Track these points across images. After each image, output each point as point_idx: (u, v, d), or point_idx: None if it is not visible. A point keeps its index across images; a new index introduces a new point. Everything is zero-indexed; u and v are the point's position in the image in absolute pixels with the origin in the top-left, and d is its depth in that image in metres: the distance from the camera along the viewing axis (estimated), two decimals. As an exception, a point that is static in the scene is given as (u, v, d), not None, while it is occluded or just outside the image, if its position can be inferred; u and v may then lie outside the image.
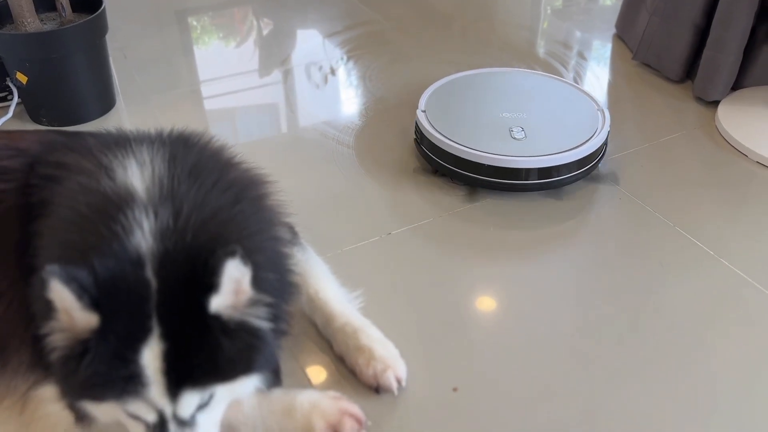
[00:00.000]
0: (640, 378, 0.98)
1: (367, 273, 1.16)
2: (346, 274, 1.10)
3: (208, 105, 1.72)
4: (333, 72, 1.85)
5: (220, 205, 0.75)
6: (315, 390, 0.90)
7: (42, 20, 1.53)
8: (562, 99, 1.49)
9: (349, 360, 0.97)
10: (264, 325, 0.70)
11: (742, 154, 1.47)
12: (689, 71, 1.72)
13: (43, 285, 0.63)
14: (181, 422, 0.70)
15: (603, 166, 1.42)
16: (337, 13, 2.20)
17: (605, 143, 1.39)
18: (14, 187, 0.82)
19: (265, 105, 1.74)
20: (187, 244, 0.69)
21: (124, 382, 0.66)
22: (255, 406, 0.86)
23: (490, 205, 1.32)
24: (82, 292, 0.63)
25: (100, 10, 1.51)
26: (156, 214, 0.71)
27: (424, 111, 1.42)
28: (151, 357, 0.66)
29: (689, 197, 1.35)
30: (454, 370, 0.99)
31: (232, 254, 0.65)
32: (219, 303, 0.67)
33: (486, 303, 1.12)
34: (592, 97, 1.48)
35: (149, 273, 0.67)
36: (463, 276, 1.17)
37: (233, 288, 0.67)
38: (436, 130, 1.36)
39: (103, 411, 0.71)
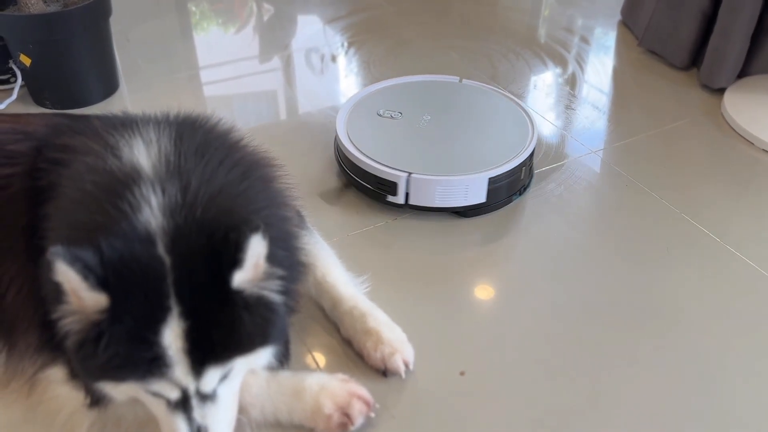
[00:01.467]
0: (645, 361, 0.98)
1: (374, 257, 1.16)
2: (352, 259, 1.10)
3: (210, 90, 1.71)
4: (334, 59, 1.84)
5: (227, 181, 0.75)
6: (323, 373, 0.90)
7: (46, 2, 1.51)
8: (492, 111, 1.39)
9: (356, 343, 0.97)
10: (277, 298, 0.71)
11: (748, 141, 1.46)
12: (695, 58, 1.71)
13: (50, 267, 0.63)
14: (203, 396, 0.70)
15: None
16: (340, -2, 2.18)
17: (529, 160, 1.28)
18: (22, 171, 0.82)
19: (266, 91, 1.73)
20: (197, 218, 0.69)
21: (147, 363, 0.66)
22: (264, 387, 0.87)
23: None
24: (87, 272, 0.62)
25: (103, -8, 1.50)
26: (164, 190, 0.71)
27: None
28: (173, 337, 0.65)
29: (695, 184, 1.35)
30: (461, 353, 0.99)
31: (256, 229, 0.65)
32: (241, 278, 0.67)
33: (492, 287, 1.12)
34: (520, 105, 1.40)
35: (161, 250, 0.67)
36: (470, 259, 1.17)
37: (254, 263, 0.67)
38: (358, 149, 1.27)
39: (122, 390, 0.71)
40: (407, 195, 1.22)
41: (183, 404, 0.70)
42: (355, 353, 0.97)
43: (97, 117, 0.89)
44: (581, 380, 0.96)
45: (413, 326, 0.99)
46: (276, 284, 0.71)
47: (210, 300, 0.66)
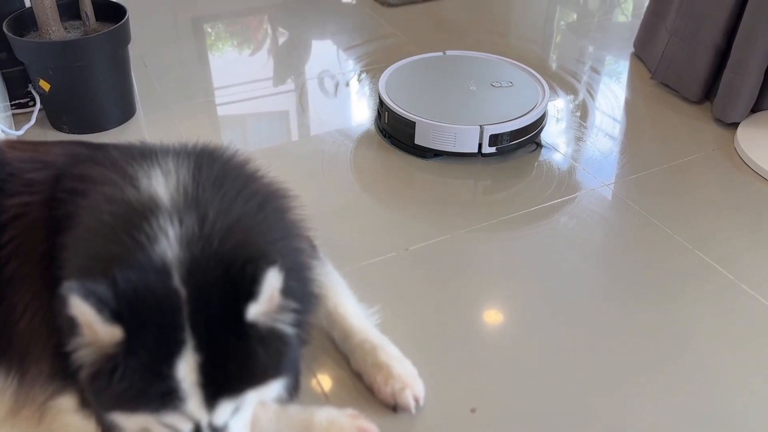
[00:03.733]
0: (658, 399, 0.97)
1: (385, 289, 1.16)
2: (363, 289, 1.10)
3: (226, 113, 1.73)
4: (348, 84, 1.86)
5: (244, 212, 0.76)
6: (332, 407, 0.90)
7: (66, 28, 1.54)
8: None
9: (366, 377, 0.96)
10: (290, 330, 0.71)
11: (761, 177, 1.46)
12: (708, 92, 1.71)
13: (64, 301, 0.63)
14: (215, 429, 0.70)
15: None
16: (355, 26, 2.21)
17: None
18: (40, 200, 0.83)
19: (279, 113, 1.75)
20: (214, 250, 0.69)
21: (161, 396, 0.66)
22: (273, 421, 0.86)
23: (506, 222, 1.32)
24: (101, 306, 0.62)
25: (123, 20, 1.53)
26: (181, 221, 0.71)
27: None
28: (187, 370, 0.66)
29: (708, 219, 1.34)
30: (472, 389, 0.99)
31: (273, 263, 0.65)
32: (256, 311, 0.67)
33: (504, 321, 1.12)
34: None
35: (177, 282, 0.67)
36: (481, 294, 1.16)
37: (269, 295, 0.67)
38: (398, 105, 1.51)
39: (134, 421, 0.71)
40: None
41: None
42: (365, 387, 0.97)
43: (116, 147, 0.90)
44: (593, 417, 0.95)
45: (424, 360, 0.98)
46: (289, 317, 0.71)
47: (225, 333, 0.67)
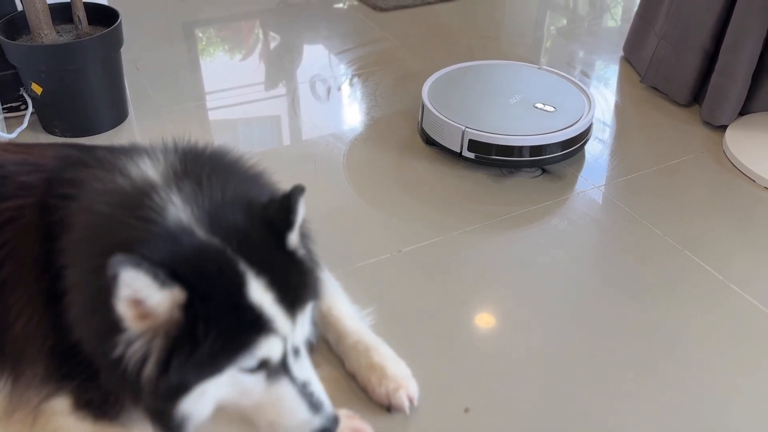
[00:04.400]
0: (649, 398, 0.98)
1: (378, 290, 1.16)
2: (356, 291, 1.10)
3: (218, 117, 1.73)
4: (340, 89, 1.86)
5: (234, 176, 0.80)
6: (327, 408, 0.90)
7: (58, 32, 1.54)
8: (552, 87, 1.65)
9: (361, 378, 0.97)
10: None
11: (749, 179, 1.48)
12: (697, 95, 1.74)
13: (112, 286, 0.62)
14: (296, 351, 0.74)
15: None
16: (347, 31, 2.22)
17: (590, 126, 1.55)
18: (33, 203, 0.83)
19: (271, 117, 1.75)
20: (221, 201, 0.73)
21: (251, 325, 0.67)
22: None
23: (498, 224, 1.33)
24: (155, 269, 0.62)
25: (116, 24, 1.53)
26: (180, 189, 0.73)
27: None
28: (260, 292, 0.68)
29: (697, 221, 1.36)
30: (465, 389, 0.99)
31: (302, 192, 0.72)
32: (293, 239, 0.73)
33: (497, 322, 1.12)
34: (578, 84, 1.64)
35: (204, 235, 0.69)
36: (474, 295, 1.17)
37: (298, 225, 0.73)
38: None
39: (216, 390, 0.70)
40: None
41: (282, 364, 0.72)
42: (359, 388, 0.97)
43: (105, 147, 0.91)
44: (585, 416, 0.96)
45: (418, 361, 0.99)
46: (307, 254, 0.77)
47: (274, 257, 0.71)
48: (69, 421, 0.83)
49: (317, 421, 0.74)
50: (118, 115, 1.64)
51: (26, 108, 1.61)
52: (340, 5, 2.46)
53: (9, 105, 1.61)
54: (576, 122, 1.49)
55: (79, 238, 0.75)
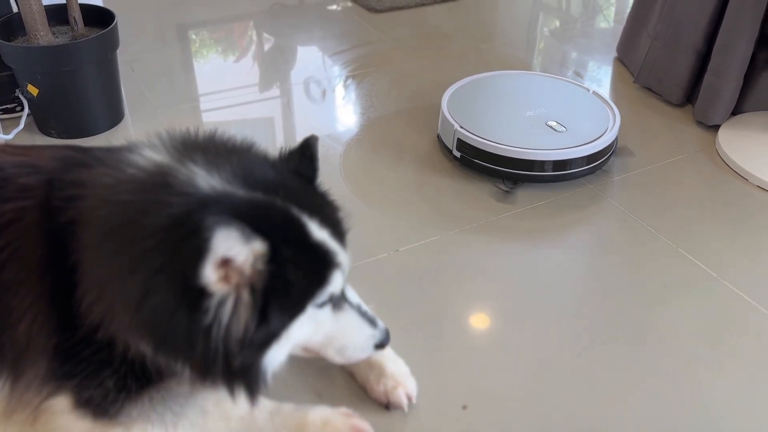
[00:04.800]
0: (644, 397, 0.99)
1: (376, 289, 1.17)
2: (355, 290, 1.11)
3: (212, 119, 1.74)
4: (335, 90, 1.87)
5: (238, 147, 0.83)
6: (326, 406, 0.90)
7: (54, 33, 1.54)
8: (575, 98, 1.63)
9: (359, 376, 0.97)
10: None
11: (742, 177, 1.49)
12: (690, 95, 1.75)
13: (203, 250, 0.64)
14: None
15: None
16: (341, 32, 2.23)
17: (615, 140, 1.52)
18: (34, 204, 0.83)
19: (265, 119, 1.76)
20: (243, 162, 0.77)
21: (325, 260, 0.74)
22: (268, 420, 0.87)
23: (494, 223, 1.34)
24: (242, 226, 0.65)
25: (112, 25, 1.53)
26: (194, 161, 0.75)
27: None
28: (318, 232, 0.74)
29: (691, 219, 1.37)
30: (463, 387, 1.00)
31: (317, 140, 0.81)
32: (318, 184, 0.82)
33: (494, 320, 1.13)
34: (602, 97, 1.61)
35: (245, 192, 0.72)
36: (470, 293, 1.18)
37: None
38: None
39: (299, 329, 0.75)
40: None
41: (342, 294, 0.82)
42: (358, 386, 0.98)
43: (101, 148, 0.91)
44: (582, 414, 0.96)
45: (416, 359, 1.00)
46: None
47: (313, 199, 0.79)
48: (69, 419, 0.83)
49: (378, 334, 0.85)
50: (113, 116, 1.64)
51: (22, 109, 1.60)
52: (334, 6, 2.47)
53: (5, 106, 1.61)
54: (574, 146, 1.42)
55: (106, 231, 0.74)
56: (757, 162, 1.50)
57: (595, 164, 1.46)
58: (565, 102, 1.60)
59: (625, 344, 1.08)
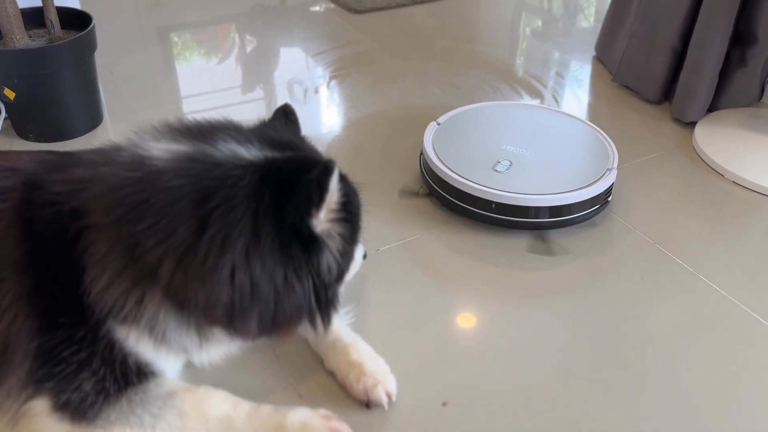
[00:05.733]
0: (623, 391, 1.00)
1: (357, 288, 1.17)
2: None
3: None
4: (317, 91, 1.87)
5: (220, 120, 0.89)
6: (306, 407, 0.90)
7: (31, 36, 1.53)
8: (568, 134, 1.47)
9: (339, 375, 0.97)
10: None
11: (718, 173, 1.51)
12: (667, 93, 1.77)
13: (317, 196, 0.76)
14: None
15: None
16: (323, 33, 2.23)
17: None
18: (11, 207, 0.83)
19: (249, 121, 1.75)
20: (237, 128, 0.86)
21: (357, 193, 0.90)
22: (246, 422, 0.87)
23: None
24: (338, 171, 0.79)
25: (89, 28, 1.52)
26: (198, 140, 0.81)
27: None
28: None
29: (668, 215, 1.39)
30: (443, 384, 1.00)
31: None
32: None
33: (474, 318, 1.14)
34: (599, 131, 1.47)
35: (270, 152, 0.82)
36: (452, 291, 1.19)
37: None
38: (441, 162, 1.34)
39: (359, 253, 0.96)
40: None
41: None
42: (338, 385, 0.98)
43: (84, 150, 0.91)
44: (562, 410, 0.97)
45: (397, 357, 1.00)
46: None
47: (314, 148, 0.93)
48: (48, 422, 0.83)
49: (361, 247, 0.98)
50: (92, 119, 1.63)
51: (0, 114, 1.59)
52: (316, 8, 2.47)
53: (-19, 111, 1.60)
54: (535, 194, 1.26)
55: (133, 216, 0.75)
56: (732, 158, 1.52)
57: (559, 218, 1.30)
58: (562, 146, 1.43)
59: (604, 340, 1.09)
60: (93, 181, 0.80)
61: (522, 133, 1.45)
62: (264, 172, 0.78)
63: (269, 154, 0.81)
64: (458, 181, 1.30)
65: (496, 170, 1.32)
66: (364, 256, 1.03)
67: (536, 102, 1.69)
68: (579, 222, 1.31)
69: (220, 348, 0.92)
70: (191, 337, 0.83)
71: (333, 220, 0.82)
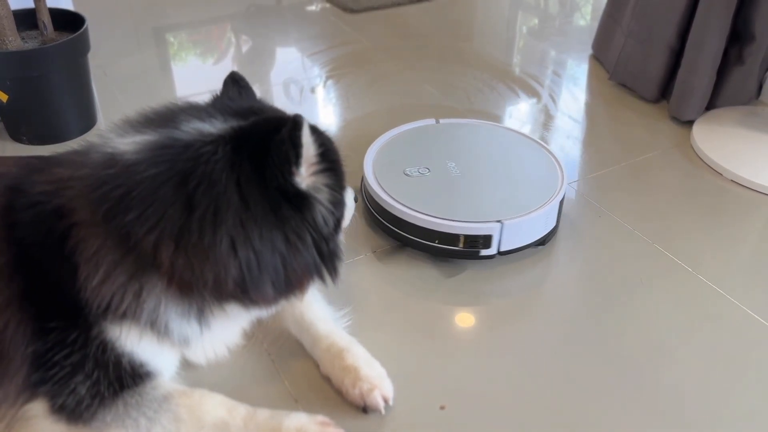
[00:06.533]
0: (622, 393, 0.99)
1: (354, 290, 1.16)
2: (332, 292, 1.10)
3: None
4: (313, 90, 1.86)
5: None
6: (303, 413, 0.89)
7: (23, 38, 1.52)
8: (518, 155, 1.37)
9: (335, 381, 0.96)
10: None
11: (716, 172, 1.51)
12: (664, 91, 1.76)
13: (294, 151, 0.76)
14: None
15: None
16: (319, 33, 2.22)
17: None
18: None
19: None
20: (197, 105, 0.89)
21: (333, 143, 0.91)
22: (241, 428, 0.86)
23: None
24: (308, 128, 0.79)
25: (82, 29, 1.51)
26: (176, 123, 0.82)
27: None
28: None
29: (666, 214, 1.38)
30: (441, 387, 1.00)
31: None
32: None
33: (472, 321, 1.13)
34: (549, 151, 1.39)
35: (238, 121, 0.83)
36: (448, 293, 1.18)
37: None
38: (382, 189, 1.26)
39: (350, 199, 0.95)
40: (500, 243, 1.19)
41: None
42: (335, 390, 0.97)
43: (65, 152, 0.91)
44: (561, 412, 0.96)
45: (394, 360, 0.99)
46: None
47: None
48: (45, 424, 0.82)
49: (350, 191, 0.97)
50: (86, 121, 1.62)
51: (-8, 116, 1.58)
52: (311, 7, 2.46)
53: (-26, 113, 1.58)
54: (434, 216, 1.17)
55: (151, 197, 0.75)
56: (730, 156, 1.51)
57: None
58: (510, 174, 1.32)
59: (602, 340, 1.08)
60: (74, 179, 0.79)
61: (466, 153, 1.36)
62: (235, 142, 0.78)
63: (234, 123, 0.81)
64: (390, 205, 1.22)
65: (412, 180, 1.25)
66: (355, 200, 1.03)
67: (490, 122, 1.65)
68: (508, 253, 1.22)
69: (221, 334, 0.91)
70: (192, 325, 0.83)
71: (316, 173, 0.82)
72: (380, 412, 0.93)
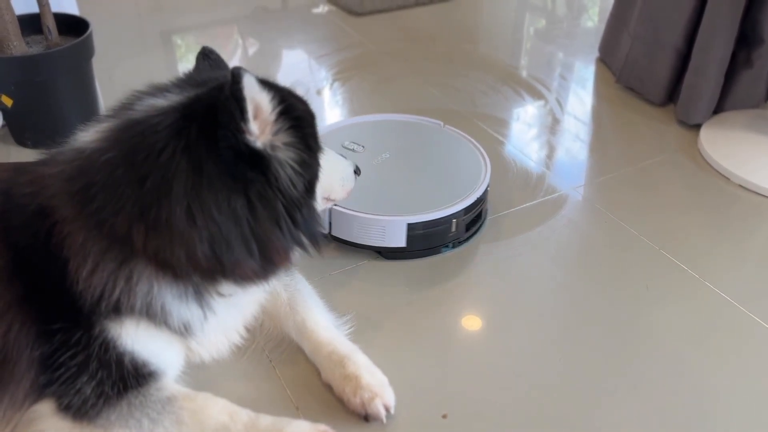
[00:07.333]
0: (628, 401, 0.98)
1: (356, 297, 1.16)
2: (334, 299, 1.10)
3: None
4: (319, 93, 1.86)
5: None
6: (304, 421, 0.89)
7: (28, 43, 1.52)
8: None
9: (336, 389, 0.96)
10: None
11: (724, 176, 1.49)
12: (671, 95, 1.75)
13: (238, 104, 0.72)
14: None
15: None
16: (324, 36, 2.22)
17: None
18: None
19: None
20: (161, 86, 0.86)
21: (304, 102, 0.87)
22: (243, 436, 0.85)
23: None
24: (258, 80, 0.74)
25: (86, 34, 1.51)
26: (133, 107, 0.82)
27: None
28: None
29: (673, 220, 1.36)
30: (443, 396, 0.99)
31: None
32: None
33: (474, 327, 1.12)
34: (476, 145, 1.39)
35: (205, 90, 0.81)
36: (451, 300, 1.17)
37: None
38: None
39: (326, 164, 0.90)
40: (330, 225, 1.24)
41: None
42: (337, 398, 0.96)
43: (51, 151, 0.92)
44: (563, 419, 0.95)
45: (396, 368, 0.98)
46: None
47: None
48: (51, 422, 0.83)
49: (351, 162, 1.01)
50: (91, 125, 1.62)
51: (-3, 121, 1.58)
52: (317, 10, 2.46)
53: (-21, 118, 1.59)
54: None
55: (108, 180, 0.76)
56: (738, 160, 1.50)
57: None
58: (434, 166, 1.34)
59: (608, 347, 1.07)
60: (51, 177, 0.81)
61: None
62: (185, 110, 0.77)
63: (191, 94, 0.80)
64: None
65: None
66: (356, 172, 0.99)
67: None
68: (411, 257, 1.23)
69: (226, 319, 0.90)
70: (192, 309, 0.83)
71: (277, 132, 0.78)
72: (382, 420, 0.93)
